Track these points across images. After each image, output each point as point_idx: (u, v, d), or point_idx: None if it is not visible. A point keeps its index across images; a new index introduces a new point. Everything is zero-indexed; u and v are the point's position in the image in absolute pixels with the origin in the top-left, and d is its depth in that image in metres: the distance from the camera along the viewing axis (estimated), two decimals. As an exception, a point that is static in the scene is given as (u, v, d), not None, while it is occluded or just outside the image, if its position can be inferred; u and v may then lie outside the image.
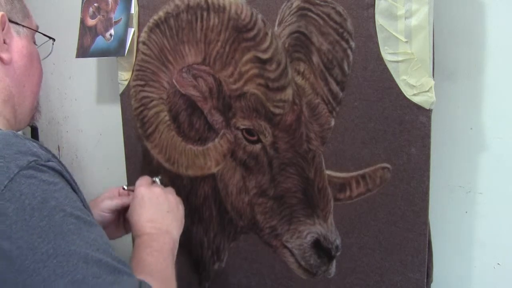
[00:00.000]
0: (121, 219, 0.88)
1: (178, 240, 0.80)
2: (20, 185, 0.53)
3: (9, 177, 0.53)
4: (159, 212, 0.80)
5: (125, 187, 0.87)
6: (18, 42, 0.72)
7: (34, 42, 0.78)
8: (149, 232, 0.76)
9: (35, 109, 0.78)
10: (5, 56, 0.69)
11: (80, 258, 0.52)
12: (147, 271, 0.65)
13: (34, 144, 0.59)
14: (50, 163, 0.58)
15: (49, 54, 0.84)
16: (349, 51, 0.78)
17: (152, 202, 0.81)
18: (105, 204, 0.85)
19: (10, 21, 0.71)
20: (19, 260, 0.50)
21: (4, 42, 0.69)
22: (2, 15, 0.68)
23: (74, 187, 0.61)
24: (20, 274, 0.50)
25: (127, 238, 0.90)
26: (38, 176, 0.55)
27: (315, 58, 0.81)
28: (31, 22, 0.77)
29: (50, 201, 0.54)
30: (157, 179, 0.88)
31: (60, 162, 0.62)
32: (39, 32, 0.79)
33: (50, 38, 0.83)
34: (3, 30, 0.69)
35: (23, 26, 0.73)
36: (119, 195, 0.88)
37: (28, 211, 0.52)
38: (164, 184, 0.89)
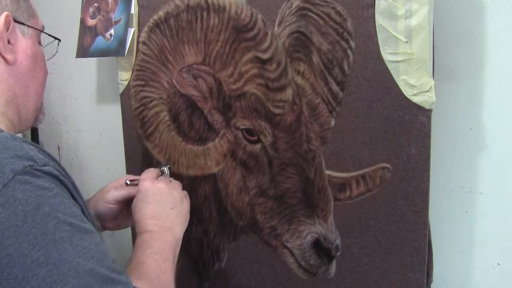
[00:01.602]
0: (129, 210, 0.85)
1: (181, 237, 0.78)
2: (14, 191, 0.52)
3: (3, 182, 0.52)
4: (162, 208, 0.78)
5: (128, 182, 0.85)
6: (23, 42, 0.71)
7: (40, 42, 0.77)
8: (151, 230, 0.75)
9: (39, 110, 0.77)
10: (9, 56, 0.68)
11: (71, 267, 0.51)
12: (145, 276, 0.64)
13: (32, 147, 0.58)
14: (46, 168, 0.56)
15: (54, 55, 0.83)
16: (349, 51, 0.78)
17: (155, 198, 0.79)
18: (110, 195, 0.84)
19: (15, 21, 0.70)
20: (8, 267, 0.49)
21: (9, 43, 0.68)
22: (7, 15, 0.67)
23: (72, 192, 0.60)
24: (9, 282, 0.49)
25: (127, 232, 0.89)
26: (33, 181, 0.54)
27: (315, 58, 0.81)
28: (37, 22, 0.76)
29: (43, 207, 0.53)
30: (165, 169, 0.86)
31: (59, 165, 0.61)
32: (45, 33, 0.79)
33: (55, 38, 0.83)
34: (7, 30, 0.68)
35: (28, 26, 0.72)
36: (126, 185, 0.86)
37: (21, 217, 0.51)
38: (171, 174, 0.87)
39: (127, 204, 0.86)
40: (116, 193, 0.84)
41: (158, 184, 0.80)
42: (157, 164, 0.95)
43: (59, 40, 0.84)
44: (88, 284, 0.51)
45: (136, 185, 0.82)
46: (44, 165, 0.56)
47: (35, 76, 0.73)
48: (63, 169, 0.62)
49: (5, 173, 0.52)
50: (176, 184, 0.84)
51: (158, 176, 0.84)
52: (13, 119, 0.69)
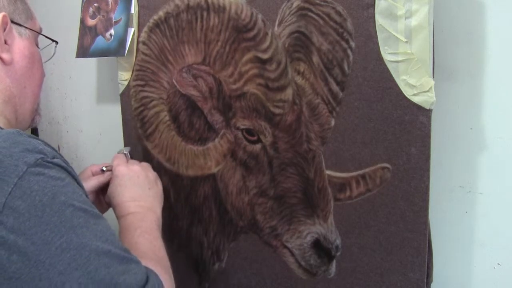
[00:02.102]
0: (101, 197, 0.89)
1: (161, 216, 0.81)
2: (30, 182, 0.54)
3: (18, 175, 0.54)
4: (141, 190, 0.81)
5: (104, 168, 0.87)
6: (19, 43, 0.72)
7: (37, 44, 0.78)
8: (134, 211, 0.77)
9: (36, 111, 0.79)
10: (6, 56, 0.69)
11: (91, 251, 0.54)
12: (143, 255, 0.66)
13: (39, 141, 0.60)
14: (55, 160, 0.59)
15: (51, 57, 0.84)
16: (349, 51, 0.78)
17: (132, 180, 0.82)
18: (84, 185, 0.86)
19: (13, 22, 0.71)
20: (35, 255, 0.52)
21: (5, 43, 0.69)
22: (4, 16, 0.68)
23: (79, 182, 0.63)
24: (37, 269, 0.52)
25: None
26: (46, 172, 0.56)
27: (315, 58, 0.81)
28: (35, 24, 0.77)
29: (59, 196, 0.56)
30: (126, 152, 0.88)
31: (63, 159, 0.63)
32: (42, 35, 0.79)
33: (53, 41, 0.83)
34: (4, 30, 0.69)
35: (25, 27, 0.73)
36: (93, 175, 0.88)
37: (40, 208, 0.54)
38: (133, 156, 0.89)
39: (97, 193, 0.89)
40: (88, 184, 0.86)
41: (133, 167, 0.84)
42: (157, 164, 0.95)
43: (57, 42, 0.84)
44: (108, 264, 0.55)
45: (110, 171, 0.85)
46: (54, 158, 0.59)
47: (32, 77, 0.74)
48: (67, 162, 0.64)
49: (18, 166, 0.54)
50: (148, 166, 0.88)
51: (128, 160, 0.88)
52: (10, 119, 0.70)
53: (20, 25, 0.72)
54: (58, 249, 0.53)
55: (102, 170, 0.88)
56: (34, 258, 0.52)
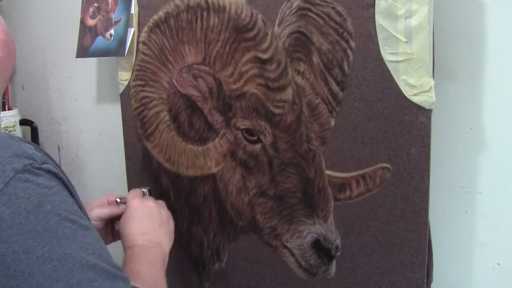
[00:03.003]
0: (109, 228, 0.89)
1: (168, 254, 0.80)
2: (16, 189, 0.53)
3: (4, 181, 0.52)
4: (151, 225, 0.80)
5: (118, 200, 0.87)
6: None
7: None
8: (142, 244, 0.76)
9: None
10: None
11: (75, 263, 0.52)
12: (141, 280, 0.65)
13: (30, 146, 0.59)
14: (45, 166, 0.57)
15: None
16: (349, 51, 0.78)
17: (144, 214, 0.81)
18: (95, 212, 0.85)
19: None
20: (14, 264, 0.50)
21: None
22: None
23: (71, 190, 0.61)
24: (15, 279, 0.50)
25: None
26: (34, 179, 0.55)
27: (315, 58, 0.81)
28: None
29: (45, 205, 0.54)
30: (145, 190, 0.88)
31: (55, 163, 0.62)
32: None
33: None
34: None
35: None
36: (109, 204, 0.88)
37: (24, 215, 0.52)
38: (152, 195, 0.89)
39: (107, 223, 0.88)
40: (101, 211, 0.86)
41: (147, 202, 0.83)
42: (157, 164, 0.95)
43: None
44: (92, 278, 0.52)
45: (124, 203, 0.85)
46: (43, 163, 0.57)
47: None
48: (60, 168, 0.63)
49: (5, 172, 0.53)
50: (163, 204, 0.87)
51: (144, 196, 0.87)
52: None
53: None
54: (39, 259, 0.51)
55: (117, 201, 0.87)
56: (14, 267, 0.50)
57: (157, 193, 1.01)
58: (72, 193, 0.61)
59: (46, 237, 0.52)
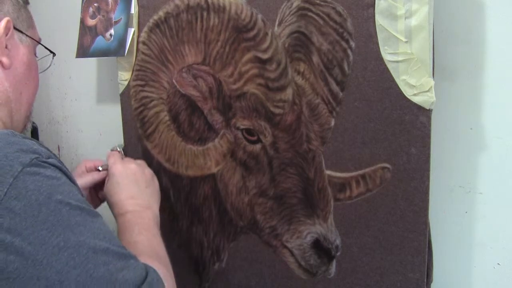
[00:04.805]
0: (93, 194, 0.89)
1: (158, 214, 0.82)
2: (25, 182, 0.54)
3: (13, 175, 0.54)
4: (138, 188, 0.81)
5: (100, 168, 0.87)
6: (20, 49, 0.73)
7: (35, 54, 0.79)
8: (132, 209, 0.78)
9: (28, 118, 0.79)
10: (5, 60, 0.70)
11: (89, 248, 0.55)
12: (143, 252, 0.67)
13: (34, 142, 0.60)
14: (51, 160, 0.59)
15: (47, 68, 0.84)
16: (349, 51, 0.78)
17: (130, 179, 0.82)
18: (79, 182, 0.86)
19: (15, 28, 0.72)
20: (32, 255, 0.52)
21: (6, 47, 0.70)
22: (8, 21, 0.70)
23: (73, 181, 0.63)
24: (35, 269, 0.51)
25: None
26: (42, 172, 0.56)
27: (315, 58, 0.81)
28: (35, 33, 0.78)
29: (55, 195, 0.56)
30: (120, 149, 0.88)
31: (58, 159, 0.63)
32: (41, 44, 0.81)
33: (51, 52, 0.84)
34: (6, 35, 0.70)
35: (26, 35, 0.75)
36: (87, 171, 0.88)
37: (36, 207, 0.54)
38: (126, 150, 0.89)
39: (90, 190, 0.89)
40: (83, 180, 0.86)
41: (130, 166, 0.84)
42: (157, 164, 0.95)
43: (54, 54, 0.85)
44: (106, 261, 0.55)
45: (105, 170, 0.85)
46: (49, 157, 0.59)
47: (28, 84, 0.75)
48: (61, 162, 0.64)
49: (13, 167, 0.54)
50: (144, 164, 0.88)
51: (122, 158, 0.87)
52: (6, 122, 0.71)
53: (21, 32, 0.74)
54: (55, 248, 0.53)
55: (98, 170, 0.88)
56: (32, 258, 0.52)
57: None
58: (75, 185, 0.63)
59: (60, 226, 0.54)
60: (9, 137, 0.59)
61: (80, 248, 0.54)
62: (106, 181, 0.84)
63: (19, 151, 0.56)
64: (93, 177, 0.88)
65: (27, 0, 0.78)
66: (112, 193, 0.81)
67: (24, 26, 0.75)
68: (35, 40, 0.78)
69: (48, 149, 0.62)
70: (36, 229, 0.53)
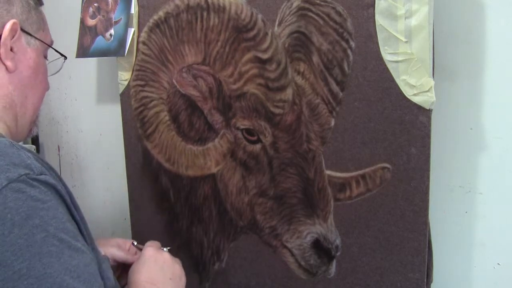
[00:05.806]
0: (118, 271, 0.85)
1: None
2: (6, 199, 0.51)
3: None
4: (162, 276, 0.76)
5: (135, 243, 0.85)
6: (26, 52, 0.70)
7: (45, 57, 0.76)
8: None
9: (34, 123, 0.77)
10: (9, 64, 0.67)
11: (54, 283, 0.50)
12: None
13: (29, 155, 0.57)
14: (42, 177, 0.55)
15: (58, 71, 0.82)
16: (349, 51, 0.78)
17: (157, 264, 0.77)
18: (112, 251, 0.82)
19: (23, 30, 0.69)
20: None
21: (11, 50, 0.68)
22: (14, 23, 0.67)
23: (69, 204, 0.59)
24: None
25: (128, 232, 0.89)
26: (27, 191, 0.53)
27: (315, 58, 0.81)
28: (46, 36, 0.75)
29: (33, 219, 0.52)
30: (165, 249, 0.86)
31: (57, 175, 0.60)
32: (52, 48, 0.78)
33: (62, 55, 0.82)
34: (12, 38, 0.67)
35: (35, 37, 0.72)
36: (128, 250, 0.84)
37: (8, 226, 0.50)
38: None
39: (118, 266, 0.84)
40: (117, 253, 0.82)
41: (163, 253, 0.79)
42: (157, 164, 0.95)
43: (65, 57, 0.83)
44: None
45: (140, 249, 0.82)
46: (41, 174, 0.55)
47: (34, 88, 0.72)
48: (61, 179, 0.61)
49: None
50: (179, 261, 0.82)
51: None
52: (10, 126, 0.68)
53: (30, 34, 0.71)
54: (15, 274, 0.48)
55: (133, 244, 0.84)
56: None
57: (157, 193, 1.00)
58: (70, 209, 0.59)
59: (27, 252, 0.50)
60: (5, 148, 0.56)
61: (43, 281, 0.49)
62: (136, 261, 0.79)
63: (10, 164, 0.53)
64: (127, 256, 0.82)
65: (41, 1, 0.75)
66: (134, 272, 0.75)
67: (33, 28, 0.71)
68: (45, 43, 0.75)
69: (47, 164, 0.59)
70: (1, 249, 0.49)
